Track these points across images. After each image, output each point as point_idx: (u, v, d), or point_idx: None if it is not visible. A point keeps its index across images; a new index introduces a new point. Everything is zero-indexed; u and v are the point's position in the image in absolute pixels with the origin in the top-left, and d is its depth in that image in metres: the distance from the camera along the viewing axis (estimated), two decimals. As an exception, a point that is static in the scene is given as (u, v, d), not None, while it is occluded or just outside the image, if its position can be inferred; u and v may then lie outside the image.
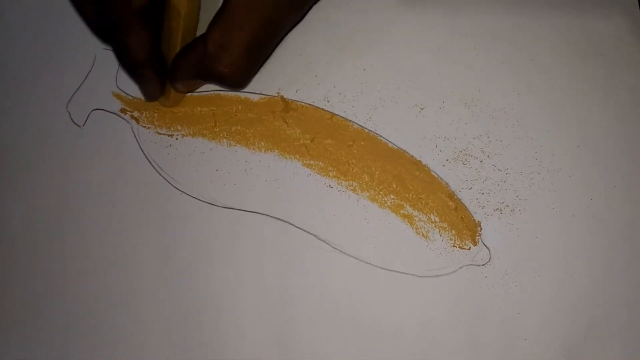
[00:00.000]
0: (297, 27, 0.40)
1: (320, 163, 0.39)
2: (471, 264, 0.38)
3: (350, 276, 0.39)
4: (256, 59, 0.35)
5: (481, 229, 0.39)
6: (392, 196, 0.39)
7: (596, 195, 0.39)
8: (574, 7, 0.41)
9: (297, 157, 0.39)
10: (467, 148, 0.39)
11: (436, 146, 0.39)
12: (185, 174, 0.40)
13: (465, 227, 0.39)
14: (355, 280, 0.39)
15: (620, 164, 0.39)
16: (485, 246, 0.38)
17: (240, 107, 0.40)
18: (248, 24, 0.33)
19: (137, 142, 0.40)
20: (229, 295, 0.39)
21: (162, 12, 0.36)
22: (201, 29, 0.37)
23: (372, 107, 0.40)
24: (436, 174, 0.39)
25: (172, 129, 0.40)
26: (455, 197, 0.39)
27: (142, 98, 0.38)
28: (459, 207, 0.39)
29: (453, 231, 0.39)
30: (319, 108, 0.40)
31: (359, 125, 0.40)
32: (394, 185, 0.39)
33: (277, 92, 0.40)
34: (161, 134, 0.40)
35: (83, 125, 0.40)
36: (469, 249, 0.38)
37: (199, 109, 0.40)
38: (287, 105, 0.40)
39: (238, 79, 0.34)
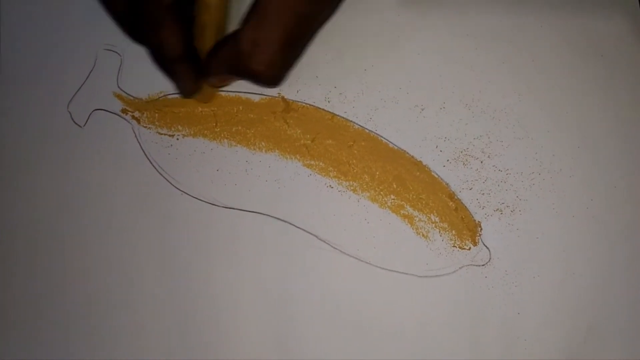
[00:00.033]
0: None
1: (320, 163, 0.39)
2: (471, 264, 0.38)
3: (351, 276, 0.39)
4: (291, 56, 0.34)
5: (481, 229, 0.39)
6: (392, 196, 0.39)
7: (596, 196, 0.39)
8: (574, 7, 0.41)
9: (298, 157, 0.39)
10: (467, 148, 0.39)
11: (437, 147, 0.40)
12: (186, 174, 0.40)
13: (465, 227, 0.39)
14: (356, 280, 0.39)
15: (621, 164, 0.39)
16: (485, 246, 0.38)
17: (241, 107, 0.40)
18: (281, 20, 0.32)
19: (138, 142, 0.40)
20: (229, 295, 0.39)
21: (192, 6, 0.35)
22: (232, 23, 0.37)
23: (372, 107, 0.40)
24: (436, 174, 0.39)
25: (173, 129, 0.40)
26: (456, 197, 0.39)
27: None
28: (459, 208, 0.39)
29: (453, 231, 0.39)
30: (320, 108, 0.40)
31: (359, 125, 0.40)
32: (395, 186, 0.39)
33: (278, 93, 0.40)
34: (162, 134, 0.40)
35: (84, 125, 0.40)
36: (469, 249, 0.38)
37: (200, 109, 0.40)
38: (287, 106, 0.40)
39: (273, 76, 0.34)
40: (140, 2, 0.32)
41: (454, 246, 0.38)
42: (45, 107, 0.41)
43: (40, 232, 0.40)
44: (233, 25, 0.35)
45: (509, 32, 0.41)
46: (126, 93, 0.40)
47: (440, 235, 0.39)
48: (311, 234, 0.39)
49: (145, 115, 0.40)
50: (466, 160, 0.39)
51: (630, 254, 0.38)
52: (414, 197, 0.39)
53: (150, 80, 0.40)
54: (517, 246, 0.39)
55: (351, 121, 0.40)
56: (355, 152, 0.39)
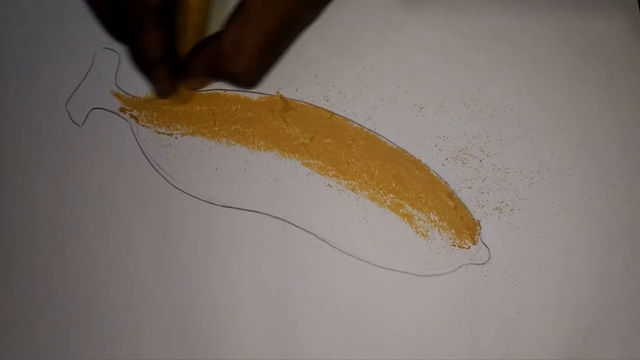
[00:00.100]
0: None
1: (319, 162, 0.39)
2: (470, 263, 0.38)
3: (350, 275, 0.38)
4: (270, 60, 0.35)
5: (480, 228, 0.39)
6: (391, 195, 0.39)
7: (596, 195, 0.39)
8: (574, 7, 0.41)
9: (297, 156, 0.39)
10: (466, 147, 0.39)
11: (436, 145, 0.39)
12: (185, 173, 0.40)
13: (464, 226, 0.38)
14: (355, 279, 0.38)
15: (620, 163, 0.39)
16: (485, 245, 0.38)
17: (239, 106, 0.40)
18: (264, 24, 0.32)
19: (137, 141, 0.40)
20: (228, 294, 0.39)
21: (176, 8, 0.36)
22: (213, 25, 0.37)
23: (371, 106, 0.40)
24: (436, 173, 0.39)
25: (171, 128, 0.40)
26: (455, 196, 0.39)
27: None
28: (459, 206, 0.39)
29: (452, 230, 0.38)
30: (319, 107, 0.40)
31: (358, 124, 0.40)
32: (394, 185, 0.39)
33: (277, 92, 0.40)
34: (160, 132, 0.40)
35: (82, 124, 0.40)
36: (469, 248, 0.38)
37: (199, 107, 0.40)
38: (286, 105, 0.40)
39: (250, 79, 0.34)
40: (124, 3, 0.32)
41: (453, 245, 0.38)
42: (43, 106, 0.41)
43: (38, 231, 0.40)
44: (214, 27, 0.35)
45: (508, 31, 0.41)
46: (124, 92, 0.40)
47: (440, 234, 0.39)
48: (310, 233, 0.39)
49: (143, 114, 0.40)
50: (465, 159, 0.39)
51: (630, 252, 0.38)
52: (413, 195, 0.39)
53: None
54: (517, 245, 0.38)
55: (350, 120, 0.40)
56: (354, 151, 0.39)
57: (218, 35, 0.34)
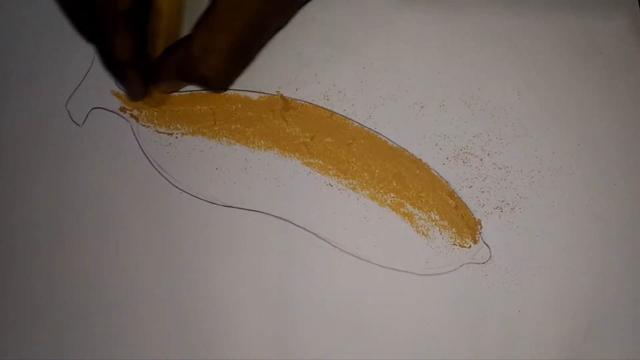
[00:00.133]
0: (297, 26, 0.40)
1: (320, 161, 0.39)
2: (471, 262, 0.38)
3: (350, 274, 0.38)
4: (239, 63, 0.35)
5: (481, 227, 0.39)
6: (392, 194, 0.39)
7: (597, 194, 0.39)
8: (574, 7, 0.41)
9: (297, 155, 0.39)
10: (467, 146, 0.39)
11: (436, 144, 0.39)
12: (185, 172, 0.39)
13: (465, 225, 0.38)
14: (355, 279, 0.38)
15: (621, 162, 0.39)
16: (486, 244, 0.38)
17: (239, 105, 0.40)
18: (233, 28, 0.32)
19: (137, 140, 0.40)
20: (228, 294, 0.39)
21: (147, 13, 0.35)
22: (185, 30, 0.37)
23: (371, 105, 0.40)
24: (436, 172, 0.39)
25: (171, 127, 0.40)
26: (456, 195, 0.39)
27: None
28: (459, 206, 0.39)
29: (453, 229, 0.38)
30: (319, 106, 0.40)
31: (358, 123, 0.40)
32: (394, 184, 0.39)
33: (277, 91, 0.40)
34: (161, 132, 0.40)
35: (82, 124, 0.40)
36: (469, 247, 0.38)
37: (199, 107, 0.40)
38: (286, 104, 0.40)
39: (220, 82, 0.34)
40: (94, 4, 0.32)
41: (454, 244, 0.38)
42: (43, 106, 0.41)
43: (38, 231, 0.40)
44: (187, 32, 0.35)
45: (508, 30, 0.41)
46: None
47: (440, 233, 0.39)
48: (311, 232, 0.39)
49: (143, 113, 0.40)
50: (466, 158, 0.39)
51: (631, 251, 0.38)
52: (414, 195, 0.39)
53: (149, 78, 0.40)
54: (518, 244, 0.38)
55: (350, 119, 0.40)
56: (355, 150, 0.39)
57: (188, 38, 0.34)
